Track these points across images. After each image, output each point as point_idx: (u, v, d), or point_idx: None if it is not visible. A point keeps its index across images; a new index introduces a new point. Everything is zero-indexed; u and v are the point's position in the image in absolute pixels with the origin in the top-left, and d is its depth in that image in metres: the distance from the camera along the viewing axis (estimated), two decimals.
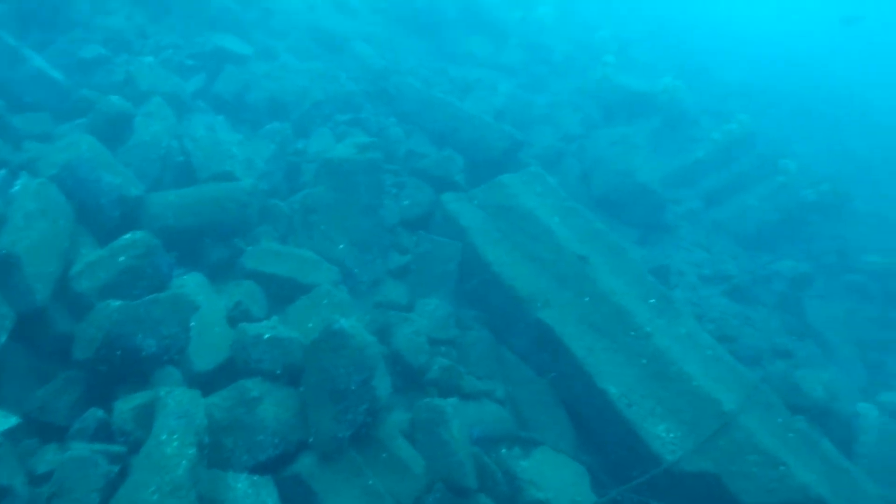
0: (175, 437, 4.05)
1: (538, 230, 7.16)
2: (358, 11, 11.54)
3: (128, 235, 5.27)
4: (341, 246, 6.70)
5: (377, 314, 6.54)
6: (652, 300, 6.84)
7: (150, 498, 3.85)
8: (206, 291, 5.64)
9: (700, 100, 13.33)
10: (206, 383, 5.01)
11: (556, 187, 7.73)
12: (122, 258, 5.16)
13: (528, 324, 6.66)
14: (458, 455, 5.31)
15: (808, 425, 7.01)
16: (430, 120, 8.80)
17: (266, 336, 5.12)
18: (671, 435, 5.89)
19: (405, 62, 10.49)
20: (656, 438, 5.87)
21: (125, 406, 4.45)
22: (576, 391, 6.39)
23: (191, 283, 5.60)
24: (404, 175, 8.07)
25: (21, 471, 4.20)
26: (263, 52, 9.16)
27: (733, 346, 7.90)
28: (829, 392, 7.57)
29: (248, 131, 7.61)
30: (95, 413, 4.45)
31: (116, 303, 4.75)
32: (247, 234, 6.42)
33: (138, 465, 4.05)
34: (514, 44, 12.67)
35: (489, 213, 7.41)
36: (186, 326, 5.07)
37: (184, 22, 8.72)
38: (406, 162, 8.25)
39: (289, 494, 4.75)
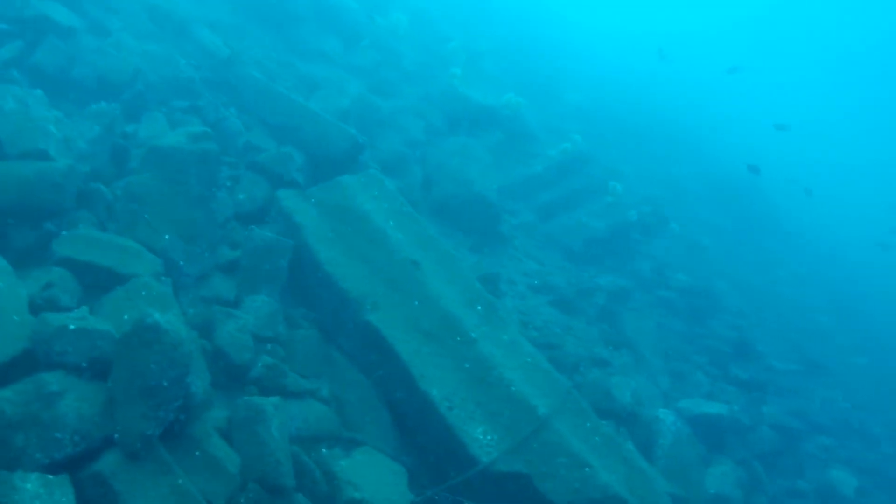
0: None
1: (372, 233, 7.22)
2: None
3: None
4: (167, 237, 6.40)
5: (201, 309, 6.32)
6: (479, 307, 7.08)
7: None
8: (6, 277, 5.19)
9: (541, 117, 14.00)
10: None
11: (394, 192, 7.83)
12: None
13: (356, 325, 6.69)
14: (275, 454, 5.24)
15: (614, 429, 7.56)
16: (271, 114, 8.62)
17: (72, 327, 4.82)
18: (488, 437, 6.11)
19: (252, 53, 10.21)
20: (474, 441, 6.07)
21: None
22: (400, 393, 6.49)
23: None
24: (241, 168, 7.86)
25: None
26: (94, 26, 8.56)
27: (555, 354, 8.33)
28: (636, 398, 8.18)
29: (70, 109, 7.08)
30: None
31: None
32: (61, 218, 5.98)
33: None
34: (366, 46, 12.67)
35: (325, 213, 7.37)
36: None
37: None
38: (244, 155, 8.03)
39: (88, 495, 4.49)
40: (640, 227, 12.46)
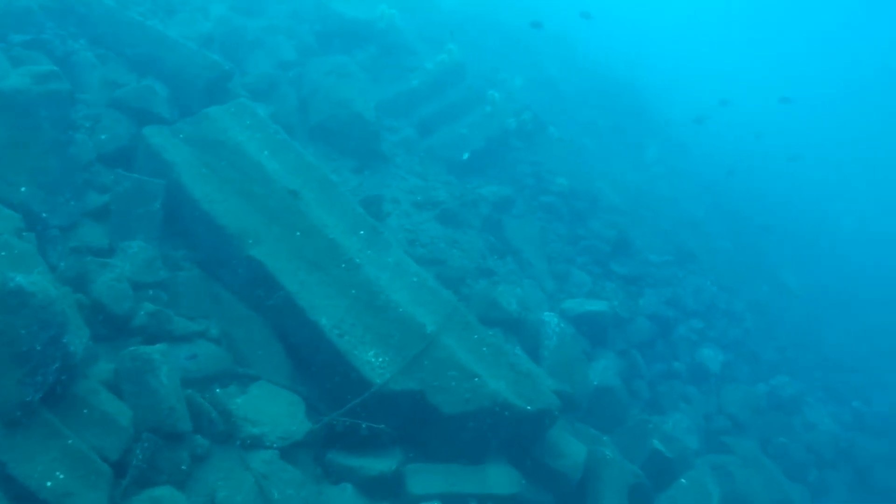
0: None
1: (247, 165, 7.06)
2: None
3: None
4: (23, 189, 6.05)
5: (73, 261, 6.09)
6: (362, 232, 7.14)
7: None
8: None
9: (417, 27, 13.72)
10: None
11: (266, 120, 7.63)
12: None
13: (239, 261, 6.64)
14: (168, 401, 5.25)
15: (502, 337, 7.93)
16: (127, 45, 8.08)
17: None
18: (380, 359, 6.31)
19: None
20: (366, 364, 6.25)
21: None
22: (290, 324, 6.54)
23: None
24: (100, 107, 7.40)
25: None
26: None
27: (442, 269, 8.56)
28: (522, 305, 8.57)
29: None
30: None
31: None
32: None
33: None
34: None
35: (196, 148, 7.13)
36: None
37: None
38: (101, 91, 7.55)
39: None
40: (520, 134, 12.66)
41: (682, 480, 7.87)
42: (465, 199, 10.11)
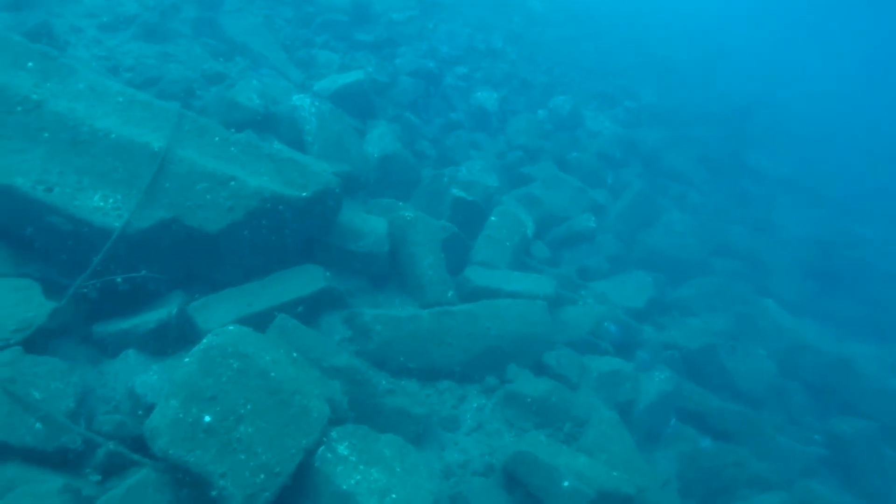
0: None
1: None
2: None
3: None
4: None
5: None
6: (30, 64, 5.58)
7: None
8: None
9: None
10: None
11: None
12: None
13: None
14: None
15: (256, 136, 6.89)
16: None
17: None
18: (110, 201, 5.12)
19: None
20: (96, 211, 5.06)
21: None
22: None
23: None
24: None
25: None
26: None
27: (161, 87, 7.19)
28: (267, 99, 7.46)
29: None
30: None
31: None
32: None
33: None
34: None
35: None
36: None
37: None
38: None
39: None
40: None
41: (493, 218, 7.59)
42: (163, 6, 8.43)
